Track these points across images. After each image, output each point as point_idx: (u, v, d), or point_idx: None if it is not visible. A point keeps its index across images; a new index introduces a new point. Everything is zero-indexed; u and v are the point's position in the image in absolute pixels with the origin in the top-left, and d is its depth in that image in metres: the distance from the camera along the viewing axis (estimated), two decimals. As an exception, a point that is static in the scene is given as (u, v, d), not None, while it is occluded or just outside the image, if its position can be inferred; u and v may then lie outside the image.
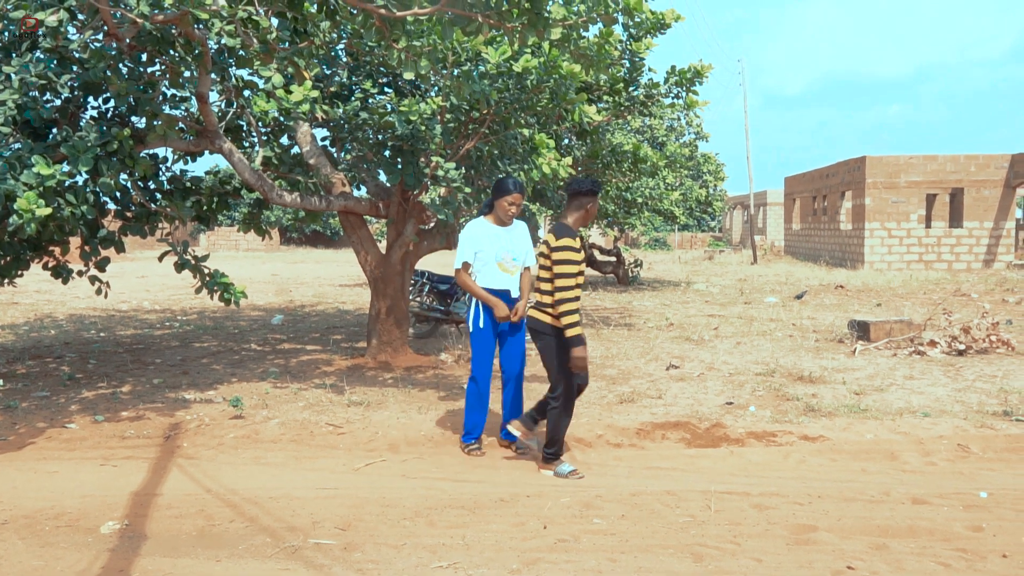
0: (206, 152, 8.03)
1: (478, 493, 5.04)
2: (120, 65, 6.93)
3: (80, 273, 7.98)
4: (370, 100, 8.51)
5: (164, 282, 21.58)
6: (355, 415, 6.83)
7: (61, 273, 8.02)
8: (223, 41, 6.58)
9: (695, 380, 8.32)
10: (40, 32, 6.54)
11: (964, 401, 7.26)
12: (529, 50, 7.55)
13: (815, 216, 32.85)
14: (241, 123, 8.73)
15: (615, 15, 6.05)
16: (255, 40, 6.36)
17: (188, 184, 8.61)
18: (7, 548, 4.20)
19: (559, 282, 5.22)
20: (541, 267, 5.42)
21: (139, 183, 7.87)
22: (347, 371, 8.71)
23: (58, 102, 7.27)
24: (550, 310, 5.35)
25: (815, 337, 11.28)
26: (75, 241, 8.07)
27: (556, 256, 5.23)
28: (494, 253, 5.76)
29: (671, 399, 7.43)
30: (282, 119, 8.45)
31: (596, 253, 22.56)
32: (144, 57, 7.11)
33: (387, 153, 8.29)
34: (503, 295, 5.78)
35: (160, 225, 8.27)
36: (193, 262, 7.35)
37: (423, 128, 7.47)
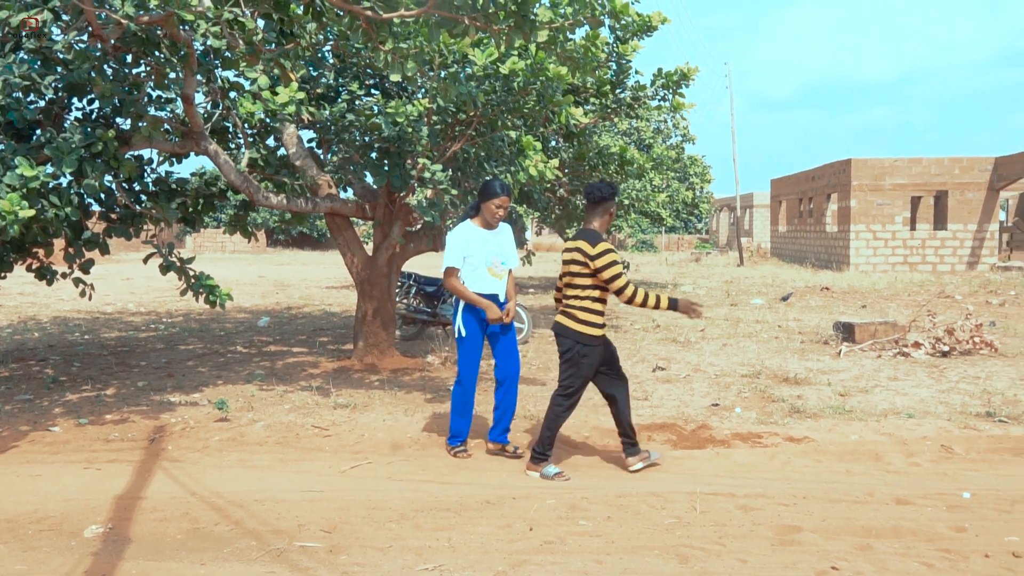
0: (192, 154, 8.00)
1: (464, 495, 5.03)
2: (105, 66, 6.90)
3: (64, 275, 7.93)
4: (357, 102, 8.50)
5: (149, 284, 21.47)
6: (341, 417, 6.82)
7: (45, 275, 7.97)
8: (209, 42, 6.57)
9: (681, 382, 8.35)
10: (23, 33, 6.50)
11: (948, 402, 7.31)
12: (516, 52, 7.56)
13: (801, 218, 33.00)
14: (227, 125, 8.71)
15: (601, 18, 6.06)
16: (241, 41, 6.34)
17: (173, 186, 8.58)
18: (-11, 552, 4.16)
19: (618, 282, 5.27)
20: (572, 274, 5.40)
21: (124, 185, 7.83)
22: (333, 373, 8.69)
23: (42, 103, 7.23)
24: (580, 314, 5.37)
25: (801, 339, 11.33)
26: (59, 243, 8.02)
27: (601, 262, 5.27)
28: (484, 258, 5.71)
29: (657, 401, 7.45)
30: (268, 121, 8.44)
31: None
32: (129, 58, 7.08)
33: (374, 155, 8.29)
34: (492, 299, 5.76)
35: (145, 227, 8.24)
36: (178, 264, 7.32)
37: (410, 130, 7.47)
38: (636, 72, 9.34)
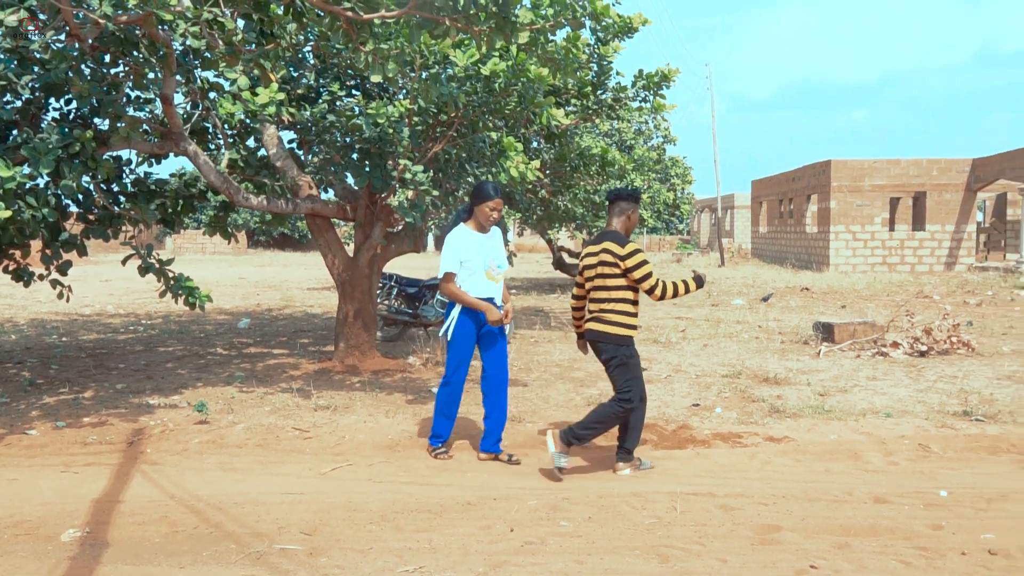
0: (171, 155, 7.95)
1: (445, 497, 5.03)
2: (82, 66, 6.85)
3: (41, 277, 7.86)
4: (337, 103, 8.47)
5: (128, 286, 21.31)
6: (322, 419, 6.79)
7: (22, 276, 7.89)
8: (188, 42, 6.53)
9: (662, 382, 8.38)
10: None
11: (925, 401, 7.38)
12: (497, 53, 7.56)
13: (781, 219, 33.20)
14: (207, 125, 8.66)
15: (582, 19, 6.07)
16: (220, 42, 6.30)
17: (152, 187, 8.52)
18: (-36, 557, 4.12)
19: (649, 281, 5.30)
20: (603, 276, 5.39)
21: (102, 185, 7.77)
22: (314, 375, 8.66)
23: (19, 103, 7.17)
24: (616, 317, 5.37)
25: (781, 339, 11.40)
26: (36, 244, 7.95)
27: (631, 262, 5.29)
28: (482, 262, 5.63)
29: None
30: (248, 121, 8.40)
31: (565, 256, 22.59)
32: (107, 58, 7.03)
33: (354, 156, 8.26)
34: (489, 303, 5.69)
35: (123, 228, 8.18)
36: (157, 266, 7.27)
37: (391, 131, 7.45)
38: (617, 73, 9.38)
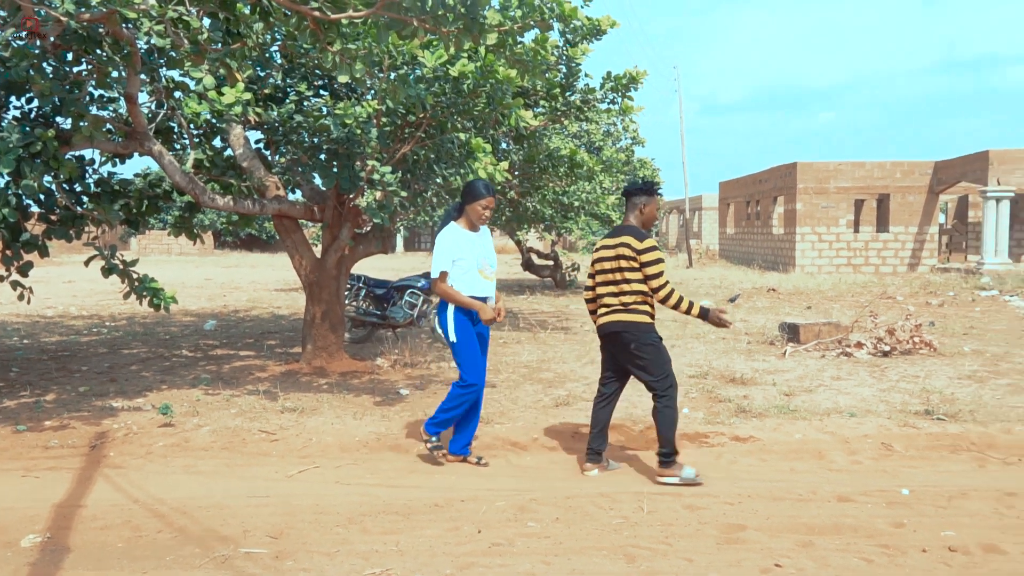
0: (135, 154, 7.85)
1: (413, 499, 5.02)
2: (44, 64, 6.74)
3: (2, 278, 7.72)
4: (305, 103, 8.41)
5: (92, 287, 21.00)
6: (289, 421, 6.75)
7: (-19, 278, 7.75)
8: (152, 41, 6.44)
9: (630, 383, 8.40)
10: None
11: (888, 401, 7.49)
12: (465, 55, 7.56)
13: (749, 220, 33.51)
14: (172, 125, 8.56)
15: (550, 21, 6.09)
16: (186, 40, 6.23)
17: (116, 187, 8.41)
18: (-79, 564, 4.04)
19: (659, 279, 5.30)
20: (619, 269, 5.37)
21: (64, 185, 7.66)
22: (281, 377, 8.60)
23: (-22, 102, 7.04)
24: (639, 307, 5.36)
25: (747, 339, 11.51)
26: (-4, 245, 7.81)
27: (647, 257, 5.29)
28: (475, 261, 5.58)
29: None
30: (214, 121, 8.32)
31: (534, 257, 22.63)
32: (70, 56, 6.92)
33: (322, 156, 8.21)
34: (484, 302, 5.66)
35: (87, 229, 8.06)
36: (121, 266, 7.18)
37: (359, 132, 7.42)
38: (586, 75, 9.40)
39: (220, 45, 6.65)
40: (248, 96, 7.15)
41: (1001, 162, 23.87)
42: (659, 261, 5.33)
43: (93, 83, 7.06)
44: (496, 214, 13.67)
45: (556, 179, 11.81)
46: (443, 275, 5.54)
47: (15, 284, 7.61)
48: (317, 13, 5.41)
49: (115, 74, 7.00)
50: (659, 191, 5.62)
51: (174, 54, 6.74)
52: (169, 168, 7.60)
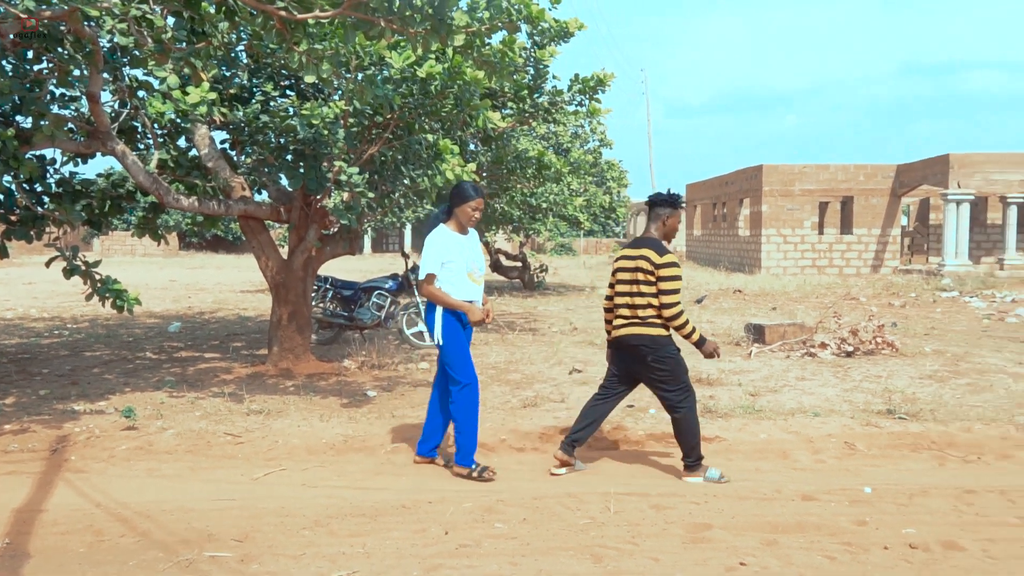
0: (98, 154, 7.74)
1: (380, 500, 5.00)
2: (4, 62, 6.63)
3: (-41, 279, 7.58)
4: (271, 103, 8.35)
5: (53, 289, 20.66)
6: (255, 424, 6.69)
7: (-62, 279, 7.60)
8: (115, 39, 6.37)
9: (596, 384, 8.44)
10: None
11: (851, 401, 7.59)
12: (433, 56, 7.55)
13: (715, 222, 33.80)
14: (136, 124, 8.46)
15: (518, 23, 6.11)
16: (149, 39, 6.16)
17: (78, 187, 8.29)
18: None
19: (672, 297, 5.28)
20: (636, 282, 5.35)
21: (24, 185, 7.54)
22: (247, 379, 8.52)
23: (-65, 99, 6.90)
24: (655, 320, 5.34)
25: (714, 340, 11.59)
26: (-46, 246, 7.66)
27: (665, 272, 5.27)
28: (464, 264, 5.53)
29: (574, 403, 7.52)
30: (179, 121, 8.22)
31: (502, 258, 22.65)
32: (30, 54, 6.82)
33: (289, 157, 8.15)
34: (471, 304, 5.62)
35: (48, 229, 7.93)
36: (83, 267, 7.07)
37: (326, 132, 7.38)
38: (554, 77, 9.45)
39: (184, 44, 6.57)
40: (213, 96, 7.08)
41: (961, 165, 24.30)
42: (676, 278, 5.31)
43: (54, 81, 6.96)
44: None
45: (524, 181, 11.84)
46: (430, 277, 5.47)
47: (-27, 285, 7.46)
48: (283, 13, 5.38)
49: (77, 72, 6.90)
50: (682, 204, 5.64)
51: (137, 53, 6.67)
52: (132, 168, 7.51)
